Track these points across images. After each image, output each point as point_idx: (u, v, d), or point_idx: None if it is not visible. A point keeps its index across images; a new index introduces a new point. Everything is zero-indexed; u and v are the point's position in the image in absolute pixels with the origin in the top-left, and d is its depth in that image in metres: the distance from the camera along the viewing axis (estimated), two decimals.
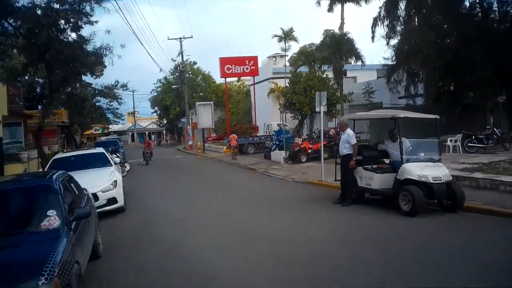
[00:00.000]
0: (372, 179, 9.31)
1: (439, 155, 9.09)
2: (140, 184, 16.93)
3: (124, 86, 35.00)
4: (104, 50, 21.42)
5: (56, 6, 19.00)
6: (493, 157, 14.03)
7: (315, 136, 24.25)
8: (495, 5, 20.87)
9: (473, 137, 17.18)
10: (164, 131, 79.56)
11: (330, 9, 32.86)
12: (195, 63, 56.47)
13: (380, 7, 23.67)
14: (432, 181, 8.31)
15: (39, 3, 18.58)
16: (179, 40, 40.43)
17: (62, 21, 19.38)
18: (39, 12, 18.41)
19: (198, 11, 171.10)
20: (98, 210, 9.47)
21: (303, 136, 23.12)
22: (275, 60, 53.35)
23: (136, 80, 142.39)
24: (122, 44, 22.23)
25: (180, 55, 41.57)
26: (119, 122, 50.33)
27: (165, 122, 63.71)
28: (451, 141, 17.43)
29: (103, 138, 47.97)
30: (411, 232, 7.40)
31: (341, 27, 39.02)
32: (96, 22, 20.09)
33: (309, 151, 19.90)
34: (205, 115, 34.33)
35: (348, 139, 9.81)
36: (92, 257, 6.16)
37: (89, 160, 11.50)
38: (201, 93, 54.37)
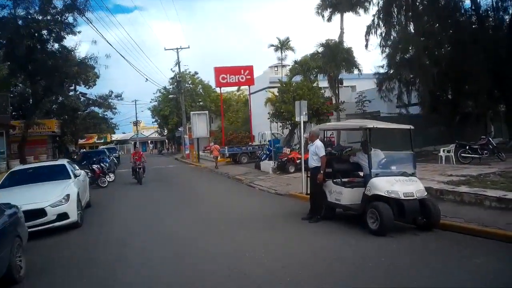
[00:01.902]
0: (341, 194, 8.53)
1: (414, 169, 8.29)
2: (114, 195, 16.28)
3: (119, 96, 34.61)
4: (89, 60, 21.05)
5: (39, 17, 18.62)
6: (485, 168, 13.15)
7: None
8: (490, 12, 20.07)
9: (467, 147, 16.30)
10: (166, 140, 79.21)
11: (330, 19, 32.40)
12: (196, 73, 56.13)
13: (374, 15, 23.06)
14: (403, 197, 7.51)
15: (21, 14, 18.14)
16: (175, 50, 40.09)
17: (45, 32, 19.00)
18: (20, 22, 18.00)
19: (202, 22, 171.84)
20: (46, 227, 8.93)
21: (293, 146, 22.35)
22: (277, 70, 52.78)
23: (141, 89, 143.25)
24: (107, 54, 21.73)
25: (178, 65, 41.17)
26: (114, 132, 49.64)
27: (165, 131, 63.29)
28: (444, 151, 16.55)
29: (102, 147, 47.81)
30: (374, 255, 6.59)
31: (340, 36, 38.51)
32: (79, 32, 19.81)
33: (298, 161, 19.15)
34: (200, 125, 33.79)
35: (317, 150, 9.06)
36: (6, 282, 5.47)
37: (47, 173, 10.89)
38: (201, 103, 53.87)
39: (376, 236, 7.47)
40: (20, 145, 21.10)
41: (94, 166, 18.86)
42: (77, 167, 12.73)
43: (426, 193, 7.89)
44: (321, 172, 8.91)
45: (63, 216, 9.21)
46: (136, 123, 76.56)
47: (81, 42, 39.55)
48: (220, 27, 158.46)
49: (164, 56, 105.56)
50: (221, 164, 28.50)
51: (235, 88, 50.85)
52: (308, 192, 9.61)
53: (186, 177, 23.20)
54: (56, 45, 19.49)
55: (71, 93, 30.07)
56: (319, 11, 30.75)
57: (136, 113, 73.19)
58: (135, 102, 71.62)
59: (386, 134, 10.78)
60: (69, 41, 40.13)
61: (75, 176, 11.01)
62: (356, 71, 29.04)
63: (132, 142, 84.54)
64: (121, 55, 54.93)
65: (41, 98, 20.65)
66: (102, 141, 70.06)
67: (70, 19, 19.12)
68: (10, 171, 11.47)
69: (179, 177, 22.95)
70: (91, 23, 37.13)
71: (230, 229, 9.05)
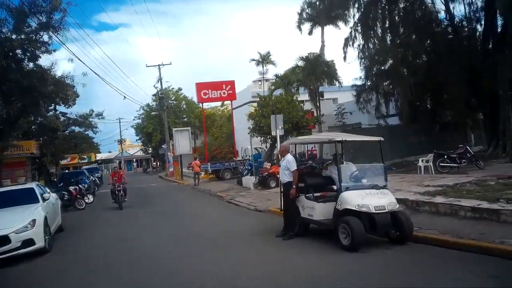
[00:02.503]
0: (314, 209, 8.36)
1: (385, 181, 8.16)
2: (90, 218, 15.84)
3: (100, 115, 34.18)
4: (65, 79, 20.75)
5: (12, 36, 18.29)
6: (462, 177, 13.12)
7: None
8: (465, 23, 20.39)
9: (445, 156, 16.32)
10: (152, 158, 78.48)
11: (311, 32, 32.71)
12: (180, 89, 55.92)
13: (351, 27, 23.30)
14: (374, 211, 7.36)
15: None
16: (157, 67, 39.95)
17: (19, 51, 18.66)
18: None
19: (186, 39, 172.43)
20: (11, 254, 8.56)
21: (274, 160, 22.20)
22: (260, 84, 52.90)
23: (125, 107, 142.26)
24: (84, 72, 21.35)
25: (160, 81, 41.00)
26: (99, 151, 48.96)
27: (150, 149, 62.68)
28: (422, 161, 16.55)
29: (84, 167, 47.13)
30: (345, 273, 6.41)
31: (321, 49, 38.84)
32: (54, 51, 19.44)
33: (279, 176, 19.00)
34: (182, 141, 33.49)
35: (288, 165, 8.90)
36: None
37: (14, 197, 10.49)
38: (185, 119, 53.62)
39: (349, 252, 7.30)
40: None
41: (71, 188, 18.42)
42: (48, 190, 12.36)
43: (398, 206, 7.77)
44: (293, 187, 8.74)
45: (29, 242, 8.83)
46: (120, 142, 75.61)
47: (58, 61, 38.89)
48: (205, 43, 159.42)
49: (149, 73, 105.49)
50: (204, 181, 28.18)
51: (219, 103, 50.71)
52: (283, 208, 9.41)
53: (166, 196, 22.77)
54: (31, 64, 19.06)
55: (50, 113, 29.57)
56: (299, 25, 31.05)
57: (121, 131, 72.31)
58: (119, 120, 71.05)
59: (362, 146, 10.65)
60: (45, 60, 39.81)
61: (44, 199, 10.65)
62: (337, 84, 29.22)
63: (117, 161, 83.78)
64: (95, 73, 53.00)
65: (16, 119, 20.16)
66: (86, 160, 69.15)
67: (45, 38, 18.76)
68: None
69: (159, 197, 22.49)
70: (63, 43, 36.63)
71: (203, 249, 8.80)
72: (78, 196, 18.53)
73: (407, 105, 20.40)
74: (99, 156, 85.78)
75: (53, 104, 31.11)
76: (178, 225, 12.63)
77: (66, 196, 18.06)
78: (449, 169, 16.12)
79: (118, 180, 17.72)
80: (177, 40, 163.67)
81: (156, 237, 10.86)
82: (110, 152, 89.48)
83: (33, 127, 29.25)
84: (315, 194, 8.64)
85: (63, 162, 58.54)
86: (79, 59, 22.56)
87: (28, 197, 10.47)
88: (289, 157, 9.04)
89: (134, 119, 59.65)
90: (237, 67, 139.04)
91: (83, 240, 11.28)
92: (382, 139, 8.30)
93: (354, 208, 7.39)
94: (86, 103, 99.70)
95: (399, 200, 10.79)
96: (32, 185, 11.64)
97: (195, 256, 8.32)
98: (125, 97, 39.99)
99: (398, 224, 7.54)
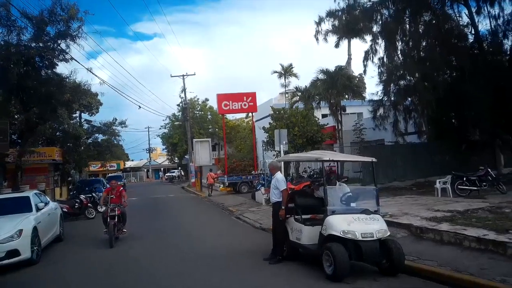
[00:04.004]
0: (301, 233, 7.85)
1: (377, 205, 7.57)
2: (95, 228, 15.65)
3: (123, 123, 34.62)
4: (83, 86, 21.06)
5: (31, 44, 18.72)
6: (477, 203, 12.25)
7: (305, 175, 22.84)
8: (490, 37, 19.39)
9: (464, 178, 15.36)
10: (179, 168, 79.14)
11: (337, 45, 32.30)
12: (206, 99, 56.32)
13: (371, 40, 22.68)
14: (360, 238, 6.80)
15: (13, 42, 18.22)
16: (181, 77, 40.35)
17: (37, 59, 19.07)
18: (12, 50, 18.07)
19: (216, 49, 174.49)
20: None
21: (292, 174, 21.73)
22: (287, 96, 52.58)
23: (157, 116, 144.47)
24: (101, 81, 21.65)
25: (184, 91, 41.39)
26: (129, 159, 49.69)
27: (176, 159, 63.19)
28: (440, 183, 15.63)
29: (110, 175, 48.02)
30: None
31: (348, 62, 38.27)
32: (72, 59, 19.77)
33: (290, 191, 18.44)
34: (202, 152, 33.46)
35: (277, 184, 8.46)
36: None
37: (9, 206, 10.48)
38: (210, 129, 53.85)
39: (332, 281, 6.76)
40: (13, 174, 20.96)
41: (82, 197, 18.53)
42: (47, 199, 12.37)
43: (388, 233, 7.16)
44: (282, 207, 8.27)
45: (13, 253, 8.74)
46: (149, 150, 76.83)
47: (77, 70, 39.81)
48: (232, 53, 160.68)
49: (178, 82, 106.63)
50: (222, 194, 27.97)
51: (243, 115, 50.66)
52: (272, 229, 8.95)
53: (177, 208, 22.55)
54: (49, 72, 19.46)
55: (73, 120, 30.17)
56: (316, 34, 30.69)
57: (149, 140, 73.55)
58: (148, 129, 72.22)
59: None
60: (63, 68, 40.86)
61: (38, 209, 10.59)
62: (363, 97, 28.55)
63: (145, 170, 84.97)
64: (108, 84, 53.91)
65: (34, 126, 20.57)
66: (114, 168, 70.47)
67: (63, 46, 19.11)
68: None
69: (170, 208, 22.33)
70: (81, 51, 37.35)
71: (186, 269, 8.45)
72: (89, 205, 18.59)
73: (428, 122, 19.46)
74: (128, 164, 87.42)
75: (77, 112, 31.81)
76: (175, 241, 12.24)
77: (77, 204, 18.18)
78: (468, 192, 15.16)
79: (116, 199, 12.04)
80: (207, 50, 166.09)
81: (145, 252, 10.57)
82: (141, 159, 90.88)
83: (58, 133, 29.81)
84: (305, 217, 8.13)
85: (91, 169, 60.04)
86: (91, 71, 22.73)
87: (22, 206, 10.44)
88: (279, 175, 8.61)
89: (160, 128, 60.45)
90: (263, 78, 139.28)
91: (77, 251, 11.14)
92: (374, 159, 7.71)
93: (339, 234, 6.85)
94: (117, 112, 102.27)
95: (402, 226, 10.19)
96: (29, 193, 11.62)
97: (180, 275, 8.01)
98: (140, 107, 40.55)
99: (388, 253, 6.94)
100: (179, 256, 9.85)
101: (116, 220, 11.53)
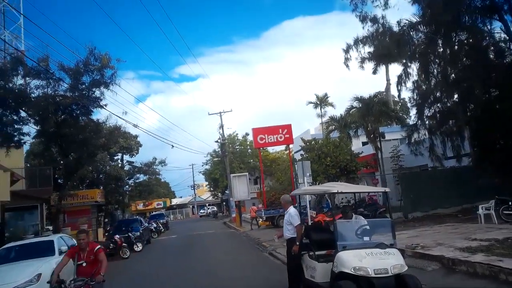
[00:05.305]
0: (315, 270, 7.39)
1: (393, 238, 7.01)
2: (126, 268, 15.75)
3: (163, 162, 35.45)
4: (117, 131, 21.75)
5: (68, 93, 19.63)
6: None
7: (341, 206, 22.08)
8: None
9: (510, 203, 14.19)
10: (224, 203, 79.50)
11: (375, 71, 31.66)
12: (247, 134, 56.91)
13: (404, 64, 22.07)
14: (373, 275, 6.27)
15: (50, 93, 19.17)
16: (219, 114, 41.06)
17: (73, 107, 19.96)
18: (50, 100, 19.02)
19: (254, 85, 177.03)
20: None
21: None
22: (324, 126, 52.16)
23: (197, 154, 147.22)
24: (135, 124, 22.45)
25: (221, 128, 41.99)
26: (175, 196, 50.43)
27: (219, 194, 63.60)
28: (482, 208, 14.53)
29: (154, 213, 48.87)
30: None
31: (387, 88, 37.42)
32: (105, 105, 20.56)
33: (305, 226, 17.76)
34: (240, 187, 33.32)
35: (290, 219, 8.10)
36: None
37: (33, 250, 10.74)
38: (251, 163, 53.98)
39: None
40: (55, 217, 21.73)
41: (116, 237, 18.76)
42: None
43: (406, 268, 6.55)
44: (297, 243, 7.89)
45: None
46: (194, 187, 77.90)
47: (111, 115, 41.36)
48: (271, 87, 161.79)
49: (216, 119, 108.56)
50: (261, 228, 27.55)
51: (283, 147, 50.51)
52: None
53: (209, 244, 21.90)
54: (85, 119, 20.28)
55: (114, 162, 31.24)
56: (362, 65, 30.22)
57: (194, 177, 74.65)
58: (192, 166, 73.44)
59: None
60: (101, 114, 42.38)
61: (61, 252, 10.74)
62: (402, 123, 27.54)
63: (191, 206, 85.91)
64: (143, 129, 55.68)
65: (74, 170, 21.37)
66: (161, 206, 71.89)
67: (97, 93, 19.91)
68: (2, 247, 11.51)
69: (202, 244, 21.99)
70: (115, 96, 38.15)
71: None
72: (123, 244, 18.76)
73: (471, 143, 18.33)
74: (174, 201, 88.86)
75: (119, 154, 32.95)
76: (197, 278, 11.96)
77: (111, 245, 18.41)
78: None
79: (87, 268, 6.44)
80: (248, 86, 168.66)
81: None
82: (188, 196, 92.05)
83: (100, 176, 30.84)
84: (321, 252, 7.68)
85: (138, 208, 61.41)
86: (122, 118, 23.32)
87: (45, 250, 10.67)
88: (292, 210, 8.25)
89: (202, 165, 61.40)
90: (304, 109, 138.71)
91: None
92: (388, 189, 7.19)
93: (350, 271, 6.37)
94: (161, 150, 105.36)
95: (433, 258, 9.44)
96: (55, 237, 11.86)
97: None
98: (173, 146, 41.37)
99: None
100: None
101: None
